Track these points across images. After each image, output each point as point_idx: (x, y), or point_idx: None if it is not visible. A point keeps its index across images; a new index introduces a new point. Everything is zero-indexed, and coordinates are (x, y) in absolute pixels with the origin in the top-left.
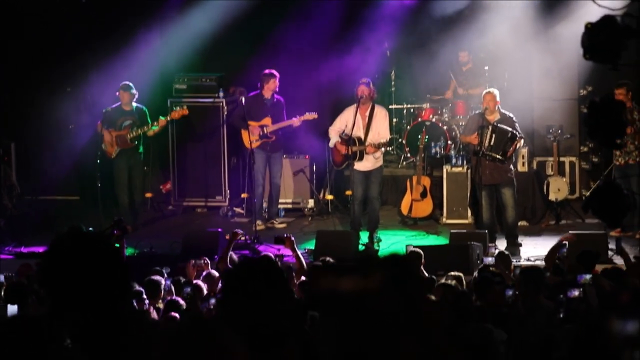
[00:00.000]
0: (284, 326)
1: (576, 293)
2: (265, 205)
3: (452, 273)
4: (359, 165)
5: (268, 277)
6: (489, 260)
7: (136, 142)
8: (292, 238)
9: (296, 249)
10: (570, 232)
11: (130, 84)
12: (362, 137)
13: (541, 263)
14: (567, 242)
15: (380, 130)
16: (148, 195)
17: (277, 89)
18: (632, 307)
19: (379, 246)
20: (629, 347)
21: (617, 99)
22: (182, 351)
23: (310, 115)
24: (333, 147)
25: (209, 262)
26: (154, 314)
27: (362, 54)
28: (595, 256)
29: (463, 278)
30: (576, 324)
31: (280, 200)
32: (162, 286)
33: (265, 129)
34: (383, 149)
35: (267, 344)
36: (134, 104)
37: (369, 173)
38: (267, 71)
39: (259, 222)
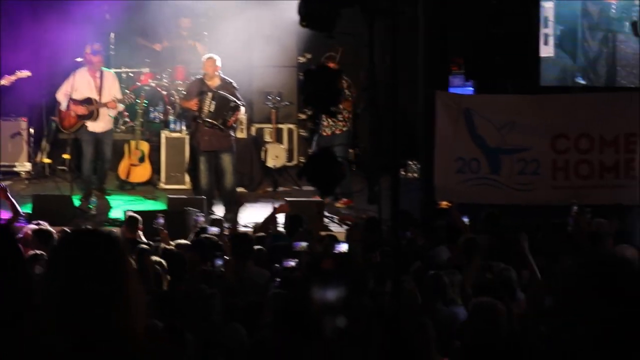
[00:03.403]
0: (17, 305)
1: (292, 263)
2: None
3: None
4: (93, 126)
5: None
6: (214, 230)
7: None
8: (3, 185)
9: (10, 196)
10: (285, 199)
11: None
12: (97, 98)
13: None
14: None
15: (113, 91)
16: None
17: None
18: (334, 274)
19: (93, 210)
20: (329, 313)
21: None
22: None
23: (22, 74)
24: (64, 111)
25: None
26: None
27: (81, 17)
28: (300, 220)
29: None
30: (282, 291)
31: None
32: None
33: None
34: (122, 105)
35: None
36: None
37: (102, 135)
38: None
39: None
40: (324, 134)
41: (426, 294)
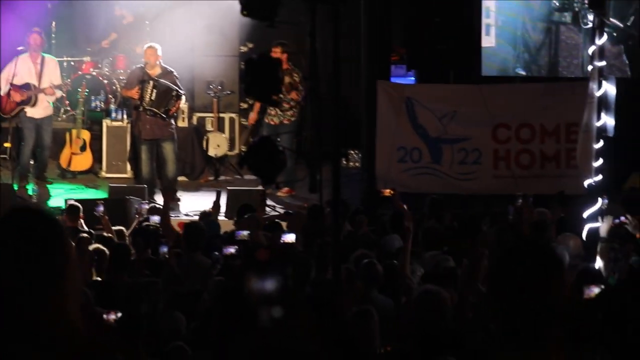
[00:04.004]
0: None
1: (232, 250)
2: None
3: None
4: (32, 112)
5: None
6: (155, 219)
7: None
8: None
9: None
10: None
11: None
12: (36, 84)
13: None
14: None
15: (53, 78)
16: None
17: None
18: (270, 264)
19: (34, 197)
20: (265, 304)
21: (274, 56)
22: None
23: None
24: (4, 96)
25: None
26: None
27: (22, 7)
28: (250, 208)
29: (124, 231)
30: (223, 279)
31: None
32: None
33: None
34: (60, 91)
35: None
36: None
37: (41, 121)
38: None
39: None
40: (272, 123)
41: (362, 282)
